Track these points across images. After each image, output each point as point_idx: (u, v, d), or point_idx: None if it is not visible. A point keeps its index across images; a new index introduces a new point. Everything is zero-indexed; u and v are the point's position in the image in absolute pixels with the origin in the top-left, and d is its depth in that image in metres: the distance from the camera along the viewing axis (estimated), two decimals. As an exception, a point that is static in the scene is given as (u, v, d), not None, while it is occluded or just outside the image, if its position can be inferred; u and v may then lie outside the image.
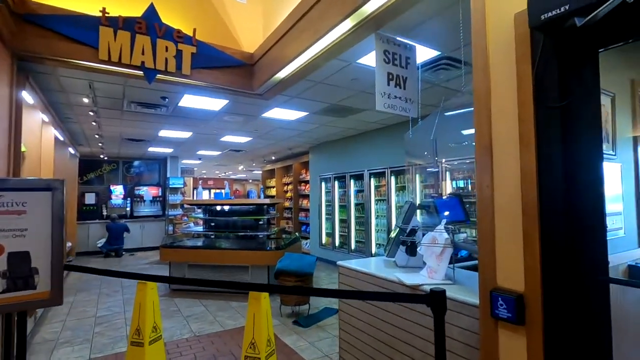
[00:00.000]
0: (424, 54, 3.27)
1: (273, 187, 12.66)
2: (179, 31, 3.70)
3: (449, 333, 1.96)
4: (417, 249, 2.51)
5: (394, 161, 6.37)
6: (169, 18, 3.71)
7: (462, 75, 3.74)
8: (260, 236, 6.37)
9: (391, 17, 2.47)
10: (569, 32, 1.32)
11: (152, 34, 3.57)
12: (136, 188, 11.21)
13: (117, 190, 10.90)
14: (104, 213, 10.54)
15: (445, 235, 2.25)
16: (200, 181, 13.58)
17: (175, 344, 3.73)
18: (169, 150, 9.99)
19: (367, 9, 2.40)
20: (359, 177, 7.46)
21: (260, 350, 2.00)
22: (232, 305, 5.00)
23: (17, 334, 2.29)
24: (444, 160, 5.19)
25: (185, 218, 10.26)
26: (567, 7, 1.21)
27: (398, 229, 2.81)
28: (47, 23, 3.21)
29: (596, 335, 1.40)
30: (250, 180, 24.03)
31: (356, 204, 7.61)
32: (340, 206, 8.10)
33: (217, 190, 14.14)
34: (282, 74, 3.65)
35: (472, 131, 3.68)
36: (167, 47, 3.64)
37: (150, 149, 9.63)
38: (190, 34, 3.77)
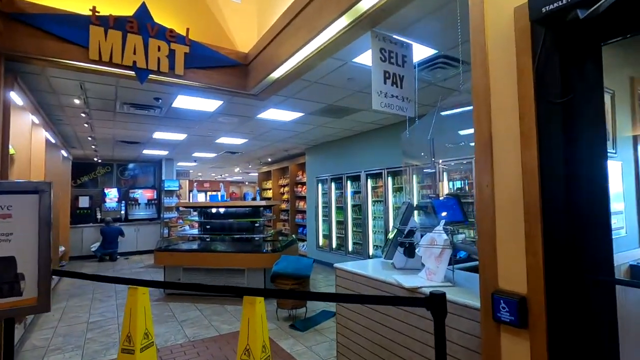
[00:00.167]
0: (420, 52, 3.23)
1: (269, 189, 12.58)
2: (171, 31, 3.64)
3: (449, 337, 1.91)
4: (416, 251, 2.46)
5: (391, 162, 6.33)
6: (161, 17, 3.65)
7: (459, 75, 3.71)
8: (257, 239, 6.29)
9: (387, 14, 2.42)
10: (571, 25, 1.28)
11: (144, 33, 3.50)
12: (131, 191, 11.09)
13: (112, 194, 10.78)
14: (98, 216, 10.41)
15: (444, 236, 2.21)
16: (195, 183, 13.45)
17: (169, 349, 3.65)
18: (163, 153, 9.90)
19: (363, 6, 2.36)
20: (355, 178, 7.42)
21: (255, 357, 1.93)
22: (228, 309, 4.92)
23: (4, 342, 2.21)
24: (440, 161, 5.17)
25: (181, 221, 10.16)
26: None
27: (396, 230, 2.76)
28: (36, 22, 3.13)
29: (602, 338, 1.36)
30: (247, 183, 23.93)
31: (353, 206, 7.56)
32: (337, 208, 8.05)
33: (213, 193, 14.03)
34: (277, 73, 3.60)
35: (469, 131, 3.64)
36: (159, 47, 3.58)
37: (145, 151, 9.53)
38: (184, 33, 3.71)
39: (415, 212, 3.16)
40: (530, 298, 1.41)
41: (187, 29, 3.72)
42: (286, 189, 11.22)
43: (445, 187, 5.19)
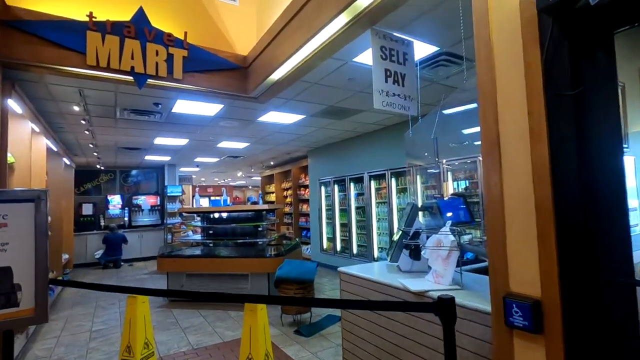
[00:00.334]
0: (422, 50, 3.17)
1: (272, 192, 12.53)
2: (169, 35, 3.61)
3: (459, 342, 1.83)
4: (422, 253, 2.39)
5: (394, 163, 6.26)
6: (159, 21, 3.62)
7: (462, 72, 3.64)
8: (260, 243, 6.23)
9: (387, 11, 2.37)
10: (581, 12, 1.21)
11: (142, 38, 3.47)
12: (134, 197, 11.08)
13: (115, 200, 10.78)
14: (102, 223, 10.40)
15: (451, 237, 2.13)
16: (197, 189, 13.43)
17: (172, 358, 3.59)
18: (166, 159, 9.89)
19: (362, 3, 2.30)
20: (358, 180, 7.35)
21: (258, 366, 1.87)
22: (231, 315, 4.86)
23: (3, 354, 2.16)
24: (444, 160, 5.10)
25: (184, 227, 10.13)
26: (579, -15, 1.11)
27: (400, 232, 2.69)
28: (33, 29, 3.11)
29: (623, 343, 1.28)
30: (250, 187, 23.91)
31: (357, 208, 7.48)
32: (341, 210, 7.97)
33: (216, 198, 14.00)
34: (277, 75, 3.55)
35: (473, 130, 3.58)
36: (157, 51, 3.54)
37: (147, 158, 9.53)
38: (182, 37, 3.67)
39: (420, 213, 3.09)
40: (545, 301, 1.33)
41: (185, 33, 3.69)
42: (289, 192, 11.16)
43: (450, 187, 5.11)
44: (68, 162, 7.85)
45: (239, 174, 15.16)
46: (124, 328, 2.24)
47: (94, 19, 3.26)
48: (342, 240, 7.99)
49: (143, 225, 10.89)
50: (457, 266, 2.16)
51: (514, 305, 1.40)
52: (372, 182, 6.96)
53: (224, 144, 7.73)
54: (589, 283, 1.25)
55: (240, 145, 7.90)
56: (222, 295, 1.84)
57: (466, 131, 3.74)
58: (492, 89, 1.53)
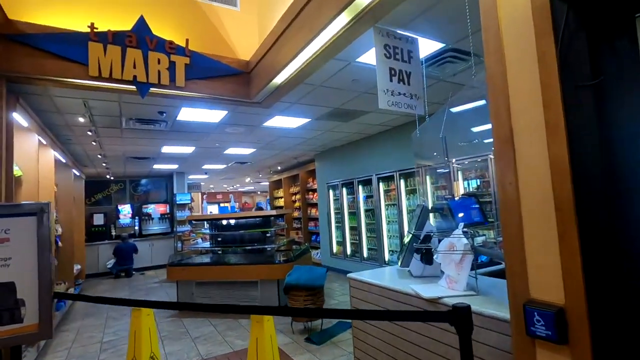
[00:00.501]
0: (427, 47, 3.08)
1: (281, 197, 12.50)
2: (171, 42, 3.59)
3: (476, 352, 1.73)
4: (434, 257, 2.29)
5: (403, 164, 6.15)
6: (160, 29, 3.61)
7: (469, 69, 3.54)
8: (269, 249, 6.17)
9: (389, 8, 2.29)
10: (599, -4, 1.12)
11: (143, 46, 3.46)
12: (144, 206, 11.15)
13: (125, 210, 10.86)
14: (113, 233, 10.48)
15: (464, 240, 2.04)
16: (204, 196, 13.48)
17: (182, 369, 3.54)
18: (174, 167, 9.94)
19: (363, 1, 2.23)
20: (367, 183, 7.25)
21: (266, 380, 1.80)
22: (242, 324, 4.79)
23: (10, 371, 2.12)
24: (454, 160, 4.98)
25: (193, 234, 10.14)
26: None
27: (411, 235, 2.59)
28: (35, 42, 3.11)
29: (658, 354, 1.17)
30: (259, 192, 23.96)
31: (366, 210, 7.38)
32: (350, 213, 7.88)
33: (225, 204, 14.04)
34: (280, 79, 3.50)
35: (482, 128, 3.46)
36: (159, 60, 3.53)
37: (156, 166, 9.58)
38: (183, 44, 3.66)
39: (431, 214, 2.99)
40: (570, 309, 1.23)
41: (187, 40, 3.67)
42: (297, 196, 11.11)
43: (461, 187, 4.99)
44: (77, 174, 7.92)
45: (247, 179, 15.18)
46: (129, 341, 2.20)
47: (95, 30, 3.26)
48: (352, 244, 7.88)
49: (153, 233, 10.95)
50: (472, 270, 2.06)
51: (536, 313, 1.30)
52: (381, 184, 6.86)
53: (231, 150, 7.72)
54: (617, 288, 1.15)
55: (247, 151, 7.88)
56: (226, 307, 1.78)
57: (476, 129, 3.63)
58: (503, 83, 1.44)
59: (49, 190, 4.92)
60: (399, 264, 2.73)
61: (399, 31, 2.56)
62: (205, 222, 6.97)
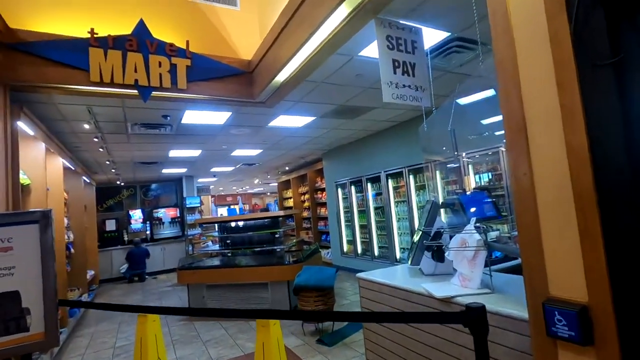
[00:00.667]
0: (432, 37, 2.98)
1: (290, 197, 12.46)
2: (171, 45, 3.56)
3: (492, 353, 1.64)
4: (445, 254, 2.20)
5: (411, 160, 6.04)
6: (160, 32, 3.58)
7: (476, 58, 3.42)
8: (278, 250, 6.13)
9: (390, -3, 2.21)
10: (617, -35, 1.03)
11: (144, 50, 3.43)
12: (154, 211, 11.24)
13: (136, 215, 10.96)
14: (125, 238, 10.59)
15: (477, 236, 1.94)
16: (212, 198, 13.53)
17: (193, 373, 3.51)
18: (182, 170, 9.98)
19: (363, -9, 2.16)
20: (375, 180, 7.15)
21: (274, 386, 1.74)
22: (253, 326, 4.75)
23: (19, 381, 2.10)
24: (464, 153, 4.85)
25: (204, 237, 10.18)
26: None
27: (421, 232, 2.50)
28: (36, 50, 3.11)
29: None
30: (269, 193, 23.99)
31: (375, 208, 7.28)
32: (359, 211, 7.79)
33: (233, 207, 14.06)
34: (282, 76, 3.44)
35: (492, 120, 3.33)
36: (160, 63, 3.50)
37: (164, 171, 9.64)
38: (184, 46, 3.62)
39: (442, 210, 2.89)
40: (594, 307, 1.14)
41: (187, 42, 3.63)
42: (306, 196, 11.05)
43: (472, 181, 4.86)
44: (88, 180, 8.01)
45: (256, 181, 15.19)
46: (135, 348, 2.17)
47: (95, 35, 3.25)
48: (362, 242, 7.79)
49: (165, 237, 11.03)
50: (486, 266, 1.96)
51: (556, 312, 1.21)
52: (390, 180, 6.75)
53: (238, 152, 7.71)
54: (647, 284, 1.05)
55: (254, 152, 7.85)
56: (231, 312, 1.72)
57: (485, 121, 3.52)
58: (513, 68, 1.34)
59: (58, 198, 4.96)
60: (409, 262, 2.64)
61: (401, 21, 2.48)
62: (216, 225, 6.97)
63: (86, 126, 4.64)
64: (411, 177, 6.17)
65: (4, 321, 2.01)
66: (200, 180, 12.35)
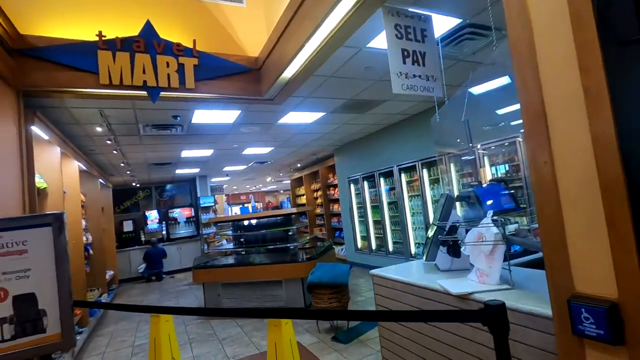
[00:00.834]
0: (442, 24, 2.88)
1: (303, 195, 12.45)
2: (178, 44, 3.55)
3: (514, 352, 1.57)
4: (461, 249, 2.12)
5: (424, 153, 5.92)
6: (167, 32, 3.58)
7: (490, 44, 3.30)
8: (291, 247, 6.11)
9: (397, -16, 2.13)
10: None
11: (151, 51, 3.44)
12: (170, 211, 11.40)
13: (152, 215, 11.14)
14: (142, 238, 10.79)
15: (494, 229, 1.86)
16: (225, 197, 13.64)
17: (210, 371, 3.53)
18: (195, 171, 10.08)
19: (368, -21, 2.09)
20: (388, 175, 7.05)
21: (288, 386, 1.71)
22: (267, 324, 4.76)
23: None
24: (479, 145, 4.71)
25: (218, 236, 10.28)
26: None
27: (435, 227, 2.43)
28: (46, 55, 3.15)
29: None
30: (282, 191, 24.07)
31: (389, 203, 7.19)
32: (373, 207, 7.71)
33: (246, 205, 14.15)
34: (289, 72, 3.40)
35: (507, 110, 3.20)
36: (168, 63, 3.50)
37: (178, 171, 9.75)
38: (191, 45, 3.61)
39: (457, 203, 2.80)
40: (625, 304, 1.06)
41: (194, 41, 3.62)
42: (319, 193, 11.02)
43: (488, 173, 4.72)
44: (104, 182, 8.16)
45: (269, 179, 15.23)
46: (149, 348, 2.17)
47: (103, 38, 3.27)
48: (376, 238, 7.71)
49: (180, 237, 11.18)
50: (504, 261, 1.88)
51: (583, 310, 1.13)
52: (403, 175, 6.65)
53: (249, 151, 7.72)
54: (685, 279, 0.97)
55: (265, 150, 7.85)
56: (241, 311, 1.70)
57: (500, 111, 3.40)
58: (530, 50, 1.26)
59: (75, 200, 5.05)
60: (424, 258, 2.57)
61: (410, 9, 2.39)
62: (231, 224, 7.00)
63: (99, 129, 4.70)
64: (424, 170, 6.05)
65: (21, 322, 2.04)
66: (213, 179, 12.46)
